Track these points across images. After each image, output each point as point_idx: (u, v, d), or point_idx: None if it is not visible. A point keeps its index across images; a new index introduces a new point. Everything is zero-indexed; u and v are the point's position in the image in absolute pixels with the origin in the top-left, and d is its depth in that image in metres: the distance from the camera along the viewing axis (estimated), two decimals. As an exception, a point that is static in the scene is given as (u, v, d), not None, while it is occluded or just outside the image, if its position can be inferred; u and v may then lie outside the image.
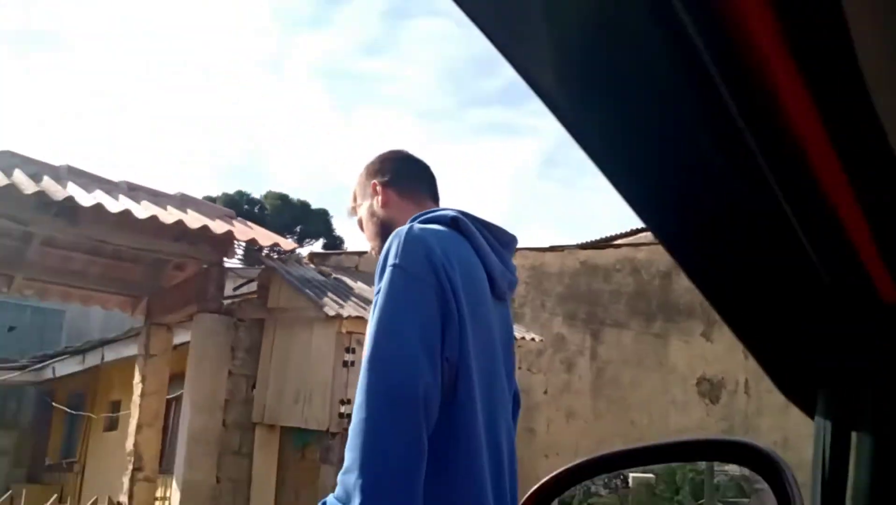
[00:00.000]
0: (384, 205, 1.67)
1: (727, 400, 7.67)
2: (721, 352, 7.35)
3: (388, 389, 1.32)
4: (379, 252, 1.48)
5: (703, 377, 7.70)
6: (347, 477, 1.29)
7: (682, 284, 7.28)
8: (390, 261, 1.39)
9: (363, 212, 1.72)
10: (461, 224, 1.51)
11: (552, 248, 8.17)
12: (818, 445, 0.51)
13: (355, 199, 1.76)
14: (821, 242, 0.39)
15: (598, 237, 9.62)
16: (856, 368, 0.47)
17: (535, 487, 0.80)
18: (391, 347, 1.35)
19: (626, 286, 7.96)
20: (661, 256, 7.47)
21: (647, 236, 7.64)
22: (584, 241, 8.83)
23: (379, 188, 1.68)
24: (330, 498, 1.32)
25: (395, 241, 1.41)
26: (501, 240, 1.62)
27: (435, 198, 1.73)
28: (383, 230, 1.60)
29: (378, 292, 1.40)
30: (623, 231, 9.26)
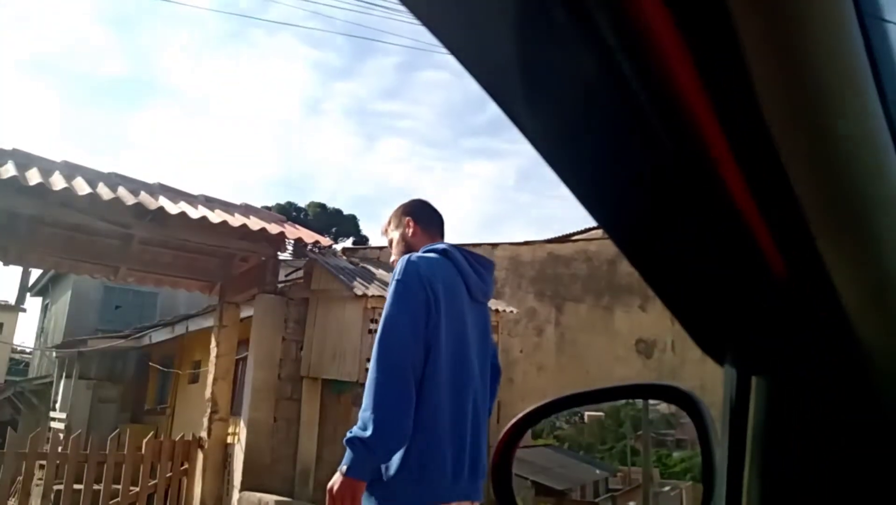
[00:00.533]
0: (412, 235, 1.83)
1: (658, 356, 7.66)
2: (653, 319, 7.34)
3: (389, 360, 1.52)
4: (396, 264, 1.68)
5: (640, 339, 7.69)
6: (364, 413, 1.49)
7: (625, 268, 7.28)
8: (396, 276, 1.59)
9: (395, 235, 1.87)
10: (449, 254, 1.70)
11: (526, 243, 8.16)
12: (727, 388, 0.52)
13: (389, 224, 1.89)
14: (725, 231, 0.39)
15: (560, 234, 9.59)
16: (754, 327, 0.48)
17: (513, 421, 0.80)
18: (392, 333, 1.54)
19: (582, 271, 7.95)
20: (608, 248, 7.47)
21: (598, 233, 7.64)
22: (549, 238, 8.79)
23: (411, 223, 1.84)
24: (354, 428, 1.49)
25: (401, 263, 1.62)
26: (481, 263, 1.79)
27: (441, 233, 1.88)
28: (406, 251, 1.76)
29: (388, 295, 1.60)
30: (579, 229, 9.23)
